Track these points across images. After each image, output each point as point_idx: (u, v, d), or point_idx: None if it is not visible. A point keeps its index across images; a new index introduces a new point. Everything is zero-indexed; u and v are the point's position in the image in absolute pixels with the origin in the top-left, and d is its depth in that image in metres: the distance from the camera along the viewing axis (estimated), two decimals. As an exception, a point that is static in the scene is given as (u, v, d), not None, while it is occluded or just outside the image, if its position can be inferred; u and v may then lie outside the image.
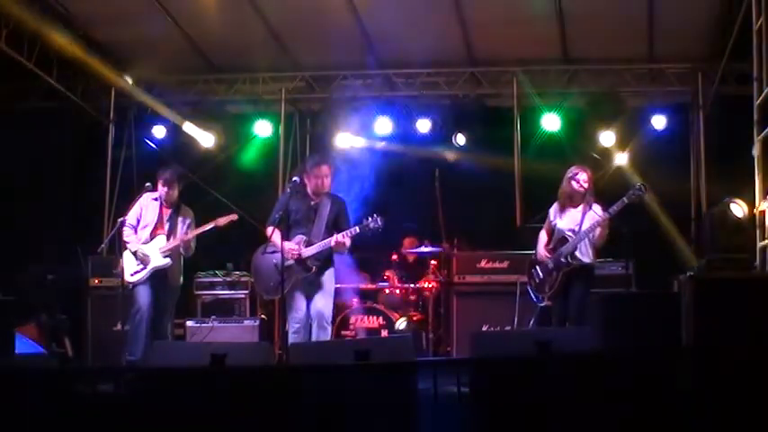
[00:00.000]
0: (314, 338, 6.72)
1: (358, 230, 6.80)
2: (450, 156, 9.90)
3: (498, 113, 9.99)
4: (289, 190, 7.00)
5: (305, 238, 6.84)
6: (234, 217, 7.72)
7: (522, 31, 8.80)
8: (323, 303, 6.84)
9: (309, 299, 6.85)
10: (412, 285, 9.08)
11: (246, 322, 8.66)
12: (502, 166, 9.72)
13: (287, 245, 6.77)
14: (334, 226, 6.91)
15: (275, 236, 6.87)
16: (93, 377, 4.67)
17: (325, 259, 6.92)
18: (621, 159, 9.48)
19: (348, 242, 6.86)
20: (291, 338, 6.81)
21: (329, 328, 6.88)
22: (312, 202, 6.95)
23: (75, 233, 9.40)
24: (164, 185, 7.53)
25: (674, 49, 9.10)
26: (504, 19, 8.56)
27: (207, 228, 7.62)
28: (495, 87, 9.96)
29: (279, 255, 6.67)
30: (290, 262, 6.77)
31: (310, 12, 8.54)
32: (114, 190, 9.81)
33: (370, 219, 6.79)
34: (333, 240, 6.76)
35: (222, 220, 7.67)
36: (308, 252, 6.81)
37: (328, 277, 6.93)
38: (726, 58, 8.40)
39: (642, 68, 9.54)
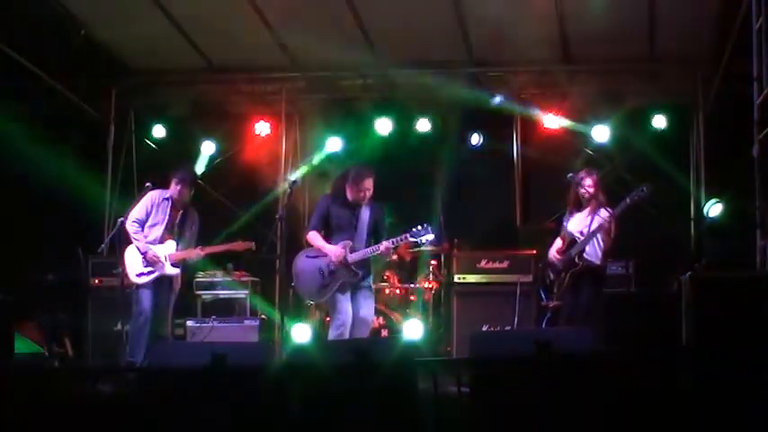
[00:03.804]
0: None
1: (408, 238, 6.87)
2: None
3: (498, 114, 9.99)
4: (289, 189, 7.02)
5: (350, 243, 6.89)
6: (251, 245, 7.69)
7: (522, 31, 8.80)
8: (368, 312, 6.97)
9: (353, 304, 6.93)
10: (412, 285, 9.08)
11: (246, 322, 8.66)
12: (502, 166, 9.73)
13: (332, 249, 6.84)
14: (374, 232, 6.98)
15: (317, 239, 6.94)
16: (93, 377, 4.68)
17: (367, 265, 6.99)
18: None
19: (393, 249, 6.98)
20: (333, 338, 6.86)
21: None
22: (353, 209, 6.98)
23: (76, 233, 9.40)
24: (178, 184, 7.42)
25: (674, 49, 9.09)
26: (504, 19, 8.56)
27: (222, 249, 7.63)
28: (495, 88, 9.96)
29: (322, 259, 6.82)
30: (335, 266, 6.83)
31: (310, 12, 8.53)
32: (114, 190, 9.80)
33: (420, 227, 6.84)
34: (382, 247, 6.81)
35: (239, 246, 7.64)
36: (353, 257, 6.85)
37: (370, 285, 7.05)
38: (726, 58, 8.40)
39: (642, 68, 9.54)
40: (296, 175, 9.60)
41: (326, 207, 7.02)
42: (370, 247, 6.87)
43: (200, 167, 10.15)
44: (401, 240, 6.90)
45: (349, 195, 6.96)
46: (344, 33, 8.82)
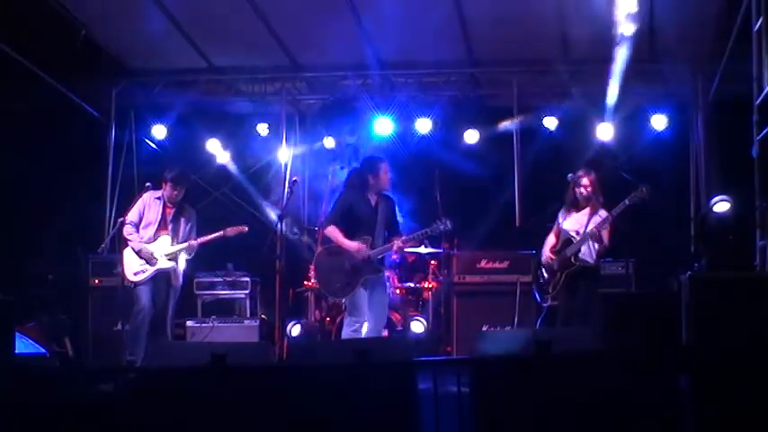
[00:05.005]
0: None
1: (429, 233, 6.87)
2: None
3: (498, 114, 9.99)
4: (289, 189, 7.03)
5: (370, 239, 6.89)
6: (244, 229, 7.75)
7: (522, 31, 8.80)
8: (384, 311, 7.01)
9: (371, 299, 6.94)
10: (412, 285, 9.08)
11: (246, 322, 8.67)
12: (502, 166, 9.73)
13: (355, 246, 6.83)
14: (388, 225, 7.01)
15: (337, 235, 6.92)
16: (93, 377, 4.68)
17: (384, 261, 7.06)
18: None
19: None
20: (347, 335, 6.87)
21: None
22: (372, 203, 6.99)
23: (76, 233, 9.40)
24: (171, 185, 7.52)
25: (674, 49, 9.08)
26: (504, 19, 8.55)
27: (215, 236, 7.66)
28: (495, 88, 9.96)
29: (344, 255, 6.82)
30: (358, 262, 6.82)
31: (310, 12, 8.54)
32: (115, 190, 9.81)
33: (440, 221, 6.85)
34: (395, 245, 6.85)
35: (231, 231, 7.69)
36: (374, 253, 6.87)
37: (385, 282, 7.11)
38: (726, 58, 8.40)
39: (642, 68, 9.52)
40: (295, 175, 9.59)
41: (350, 202, 7.01)
42: (389, 244, 6.89)
43: (221, 159, 10.15)
44: (420, 235, 6.93)
45: (373, 186, 6.95)
46: (344, 33, 8.82)
